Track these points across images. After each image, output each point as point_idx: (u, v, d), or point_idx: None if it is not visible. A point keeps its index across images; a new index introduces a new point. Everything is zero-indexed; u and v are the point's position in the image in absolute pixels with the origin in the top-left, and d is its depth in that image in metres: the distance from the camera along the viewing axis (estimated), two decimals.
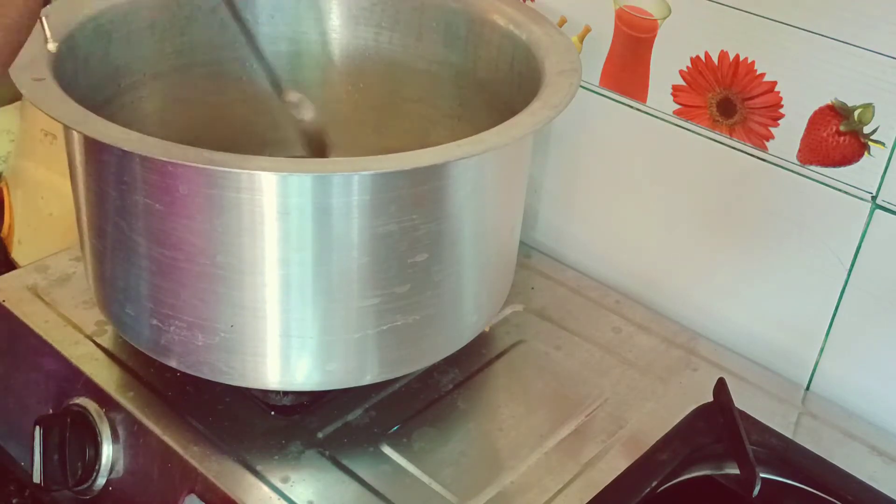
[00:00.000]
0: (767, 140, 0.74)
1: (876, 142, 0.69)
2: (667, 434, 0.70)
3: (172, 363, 0.67)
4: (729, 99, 0.75)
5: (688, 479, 0.69)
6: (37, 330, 0.74)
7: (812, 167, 0.72)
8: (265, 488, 0.64)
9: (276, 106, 0.86)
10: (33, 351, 0.75)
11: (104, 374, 0.71)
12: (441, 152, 0.59)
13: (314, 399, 0.70)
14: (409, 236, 0.61)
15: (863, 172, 0.70)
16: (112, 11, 0.73)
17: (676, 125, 0.79)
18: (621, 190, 0.85)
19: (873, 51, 0.67)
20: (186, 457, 0.65)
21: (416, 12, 0.81)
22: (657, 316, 0.83)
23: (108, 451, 0.69)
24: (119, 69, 0.74)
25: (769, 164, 0.74)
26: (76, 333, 0.75)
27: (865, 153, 0.69)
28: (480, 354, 0.77)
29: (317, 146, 0.79)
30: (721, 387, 0.72)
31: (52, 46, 0.53)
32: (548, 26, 0.74)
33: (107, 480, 0.70)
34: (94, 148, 0.62)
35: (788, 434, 0.72)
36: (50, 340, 0.74)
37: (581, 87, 0.73)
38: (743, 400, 0.73)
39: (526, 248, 0.90)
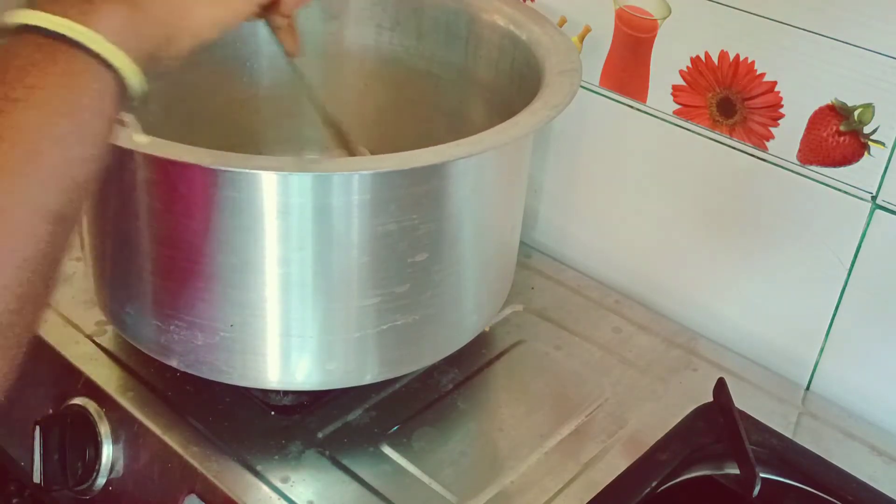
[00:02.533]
0: (767, 140, 0.74)
1: (876, 142, 0.69)
2: (667, 434, 0.70)
3: (172, 363, 0.67)
4: (729, 99, 0.75)
5: (688, 479, 0.69)
6: None
7: (812, 167, 0.72)
8: (265, 488, 0.64)
9: (276, 105, 0.87)
10: (33, 351, 0.74)
11: (104, 374, 0.71)
12: (441, 152, 0.59)
13: (314, 399, 0.70)
14: (409, 236, 0.61)
15: (863, 172, 0.70)
16: None
17: (676, 125, 0.79)
18: (621, 190, 0.85)
19: (873, 51, 0.67)
20: (186, 457, 0.65)
21: (416, 12, 0.81)
22: (657, 316, 0.83)
23: (108, 451, 0.69)
24: None
25: (769, 164, 0.74)
26: (76, 333, 0.75)
27: (865, 153, 0.69)
28: (480, 354, 0.77)
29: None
30: (721, 387, 0.72)
31: (142, 140, 0.52)
32: (548, 26, 0.74)
33: (107, 480, 0.70)
34: None
35: (788, 434, 0.72)
36: (50, 340, 0.74)
37: (581, 87, 0.73)
38: (743, 400, 0.73)
39: (526, 248, 0.90)
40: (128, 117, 0.46)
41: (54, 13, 0.42)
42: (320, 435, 0.68)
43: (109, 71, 0.43)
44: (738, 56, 0.73)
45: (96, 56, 0.42)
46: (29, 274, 0.40)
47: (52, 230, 0.41)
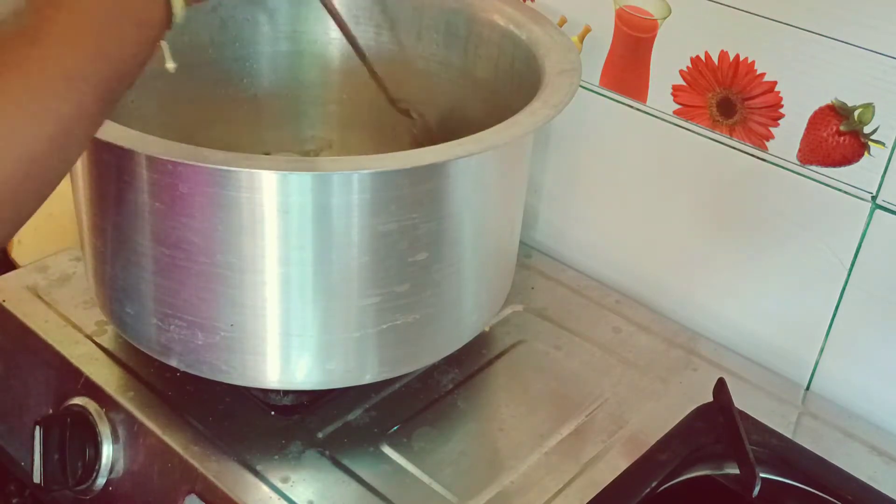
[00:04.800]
0: (767, 140, 0.74)
1: (876, 142, 0.69)
2: (667, 434, 0.70)
3: (173, 362, 0.67)
4: (729, 99, 0.75)
5: (688, 479, 0.69)
6: (37, 330, 0.74)
7: (812, 167, 0.72)
8: (265, 488, 0.64)
9: (276, 105, 0.87)
10: (33, 351, 0.75)
11: (104, 374, 0.71)
12: (441, 151, 0.59)
13: (314, 399, 0.70)
14: (409, 235, 0.61)
15: (863, 172, 0.70)
16: None
17: (676, 125, 0.79)
18: (621, 190, 0.85)
19: (873, 51, 0.67)
20: (186, 457, 0.65)
21: (416, 12, 0.81)
22: (657, 316, 0.83)
23: (108, 451, 0.69)
24: None
25: (769, 164, 0.74)
26: (76, 333, 0.75)
27: (865, 153, 0.69)
28: (480, 354, 0.77)
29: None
30: (721, 387, 0.72)
31: (170, 66, 0.55)
32: (548, 26, 0.74)
33: (107, 480, 0.70)
34: (95, 147, 0.62)
35: (788, 434, 0.72)
36: (50, 340, 0.74)
37: (581, 86, 0.73)
38: (743, 400, 0.73)
39: (526, 248, 0.90)
40: (163, 44, 0.51)
41: None
42: (320, 435, 0.68)
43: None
44: (738, 56, 0.73)
45: None
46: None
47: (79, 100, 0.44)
